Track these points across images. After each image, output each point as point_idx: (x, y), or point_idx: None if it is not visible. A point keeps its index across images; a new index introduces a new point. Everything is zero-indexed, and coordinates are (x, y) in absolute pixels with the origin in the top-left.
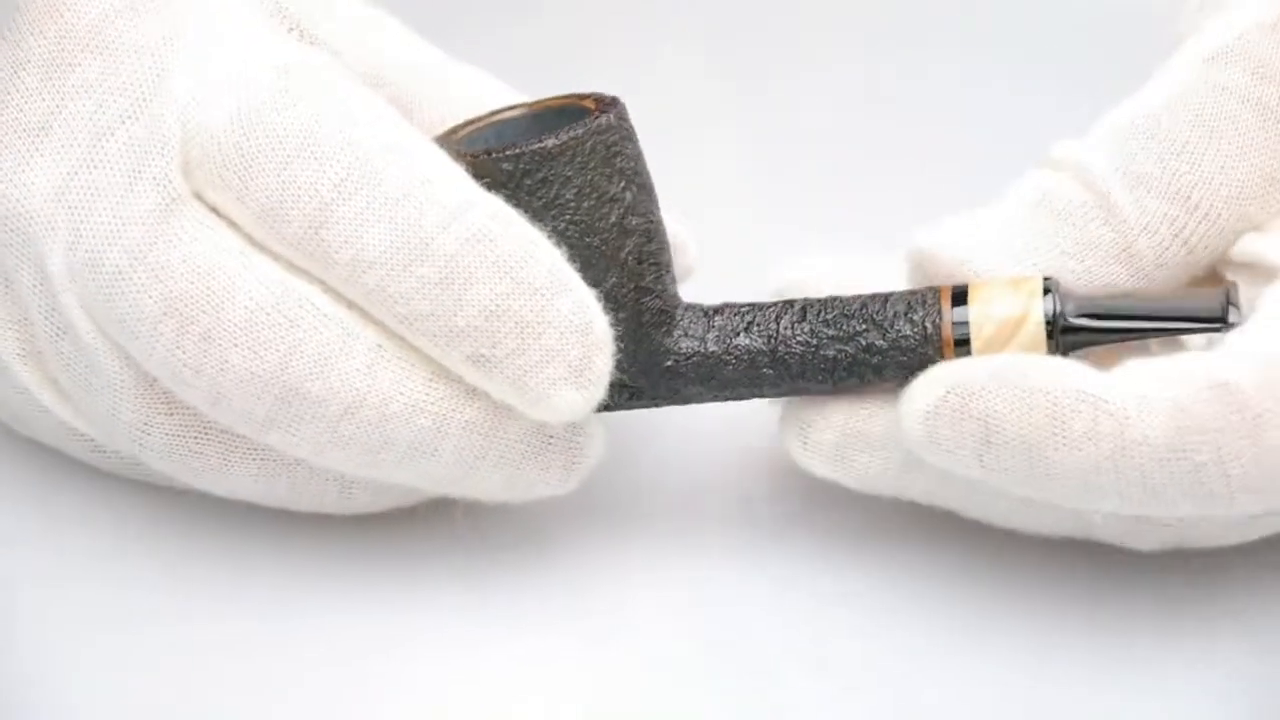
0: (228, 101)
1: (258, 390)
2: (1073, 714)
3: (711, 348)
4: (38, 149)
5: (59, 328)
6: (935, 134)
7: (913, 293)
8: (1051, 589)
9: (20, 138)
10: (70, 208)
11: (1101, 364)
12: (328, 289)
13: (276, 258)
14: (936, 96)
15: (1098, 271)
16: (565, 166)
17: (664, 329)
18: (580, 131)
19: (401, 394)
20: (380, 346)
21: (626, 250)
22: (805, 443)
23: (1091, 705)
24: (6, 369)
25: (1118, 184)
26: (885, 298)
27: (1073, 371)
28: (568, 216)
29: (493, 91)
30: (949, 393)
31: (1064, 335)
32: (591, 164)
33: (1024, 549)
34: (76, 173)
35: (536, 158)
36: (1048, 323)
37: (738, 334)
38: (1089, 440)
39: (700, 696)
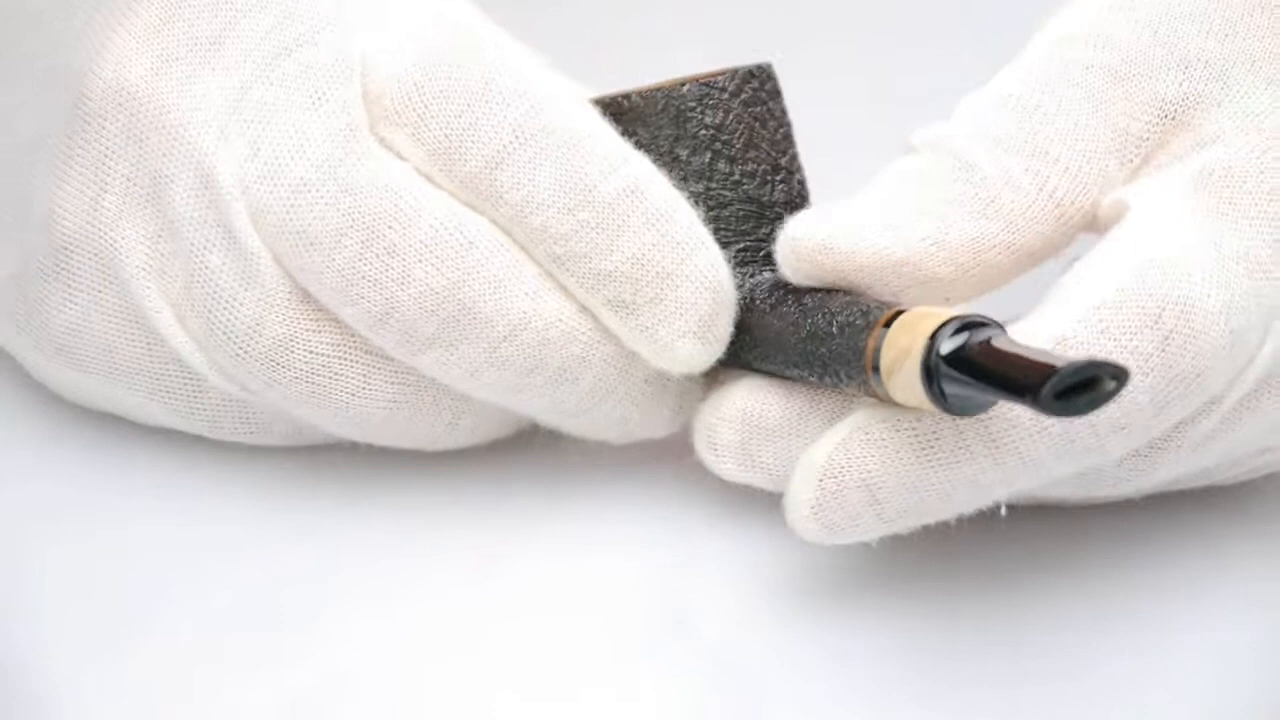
0: (408, 43)
1: (433, 306)
2: (1066, 683)
3: (751, 320)
4: (208, 63)
5: (210, 239)
6: None
7: (880, 306)
8: (1041, 554)
9: (190, 51)
10: (246, 121)
11: None
12: (491, 223)
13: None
14: (939, 96)
15: (963, 227)
16: (635, 123)
17: None
18: (656, 95)
19: (560, 320)
20: (541, 276)
21: None
22: (715, 449)
23: (1082, 672)
24: (125, 285)
25: (975, 145)
26: (857, 309)
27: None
28: None
29: None
30: (821, 480)
31: (941, 375)
32: (660, 125)
33: (1024, 524)
34: (251, 88)
35: (611, 110)
36: (923, 363)
37: (768, 314)
38: (962, 450)
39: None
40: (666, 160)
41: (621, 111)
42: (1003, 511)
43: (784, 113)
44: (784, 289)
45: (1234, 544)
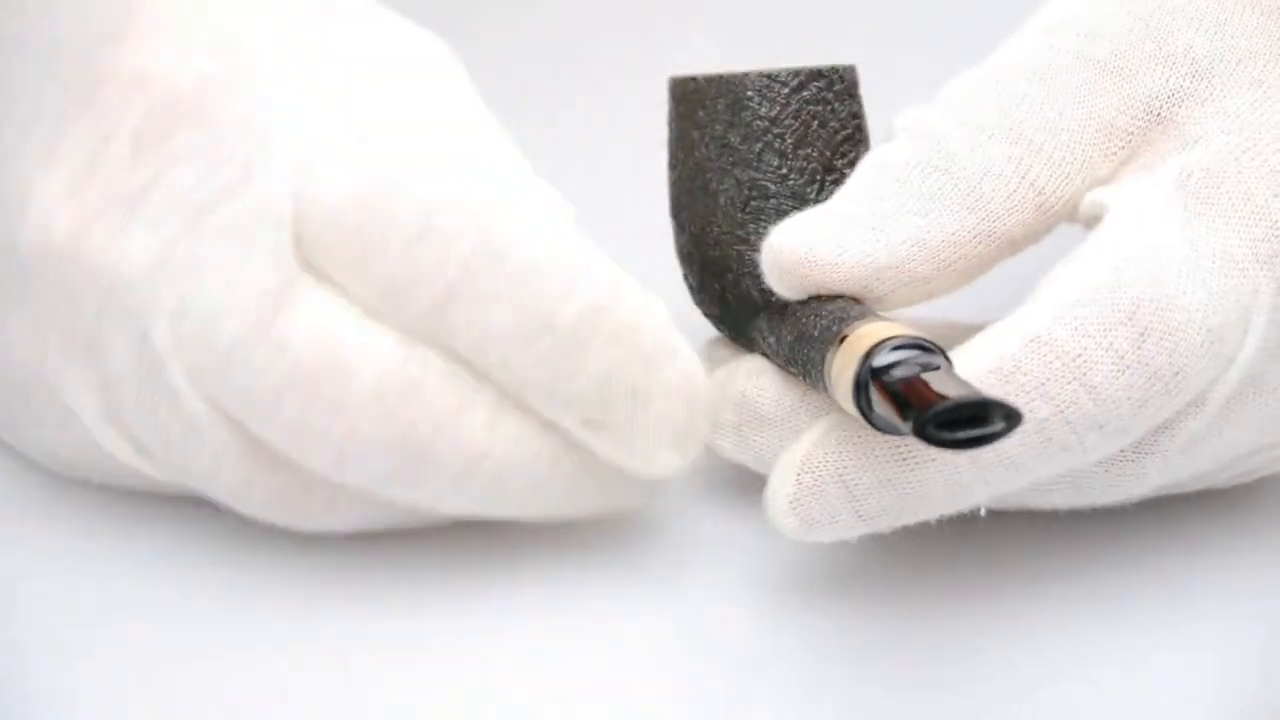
0: (343, 174)
1: (384, 453)
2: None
3: (767, 318)
4: (134, 217)
5: (155, 395)
6: None
7: (860, 314)
8: (1036, 556)
9: (113, 207)
10: (175, 278)
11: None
12: (445, 349)
13: (394, 326)
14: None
15: (945, 223)
16: (695, 104)
17: (752, 279)
18: (720, 80)
19: (519, 446)
20: (498, 401)
21: (726, 197)
22: (715, 425)
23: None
24: (87, 430)
25: (955, 133)
26: (835, 315)
27: None
28: (695, 151)
29: None
30: (799, 475)
31: (868, 392)
32: (716, 109)
33: (1018, 527)
34: (178, 242)
35: (678, 90)
36: (854, 377)
37: (779, 312)
38: None
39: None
40: (718, 144)
41: (686, 92)
42: (982, 513)
43: (853, 116)
44: None
45: (1231, 546)
